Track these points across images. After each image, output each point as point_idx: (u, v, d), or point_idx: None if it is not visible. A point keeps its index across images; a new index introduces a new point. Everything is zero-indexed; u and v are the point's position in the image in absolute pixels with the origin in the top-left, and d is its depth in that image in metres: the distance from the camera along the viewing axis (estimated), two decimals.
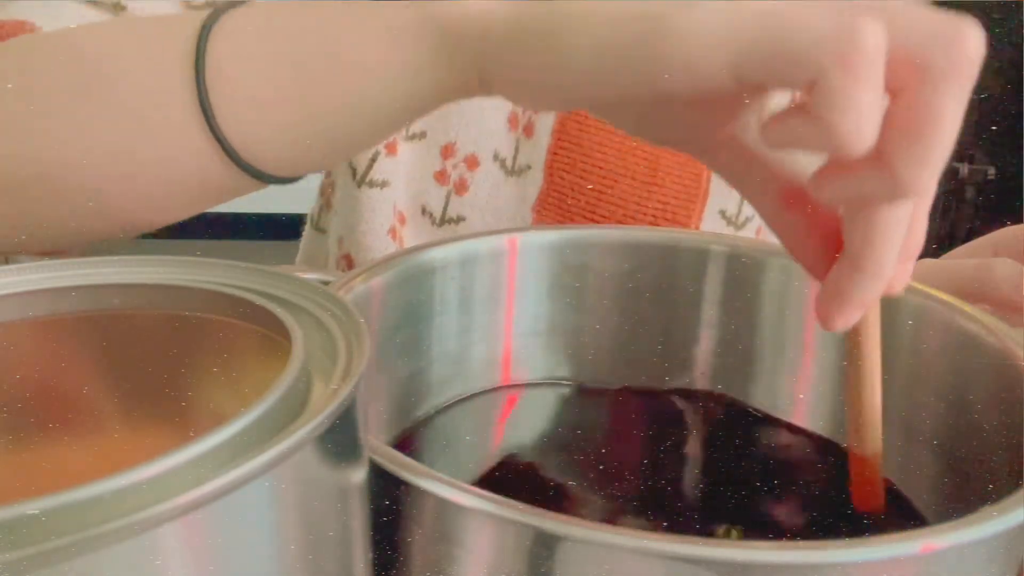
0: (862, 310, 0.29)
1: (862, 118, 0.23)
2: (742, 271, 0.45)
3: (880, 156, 0.24)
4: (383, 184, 0.61)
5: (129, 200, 0.37)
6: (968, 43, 0.23)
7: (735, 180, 0.32)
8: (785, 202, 0.30)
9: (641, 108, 0.31)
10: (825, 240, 0.30)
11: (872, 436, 0.32)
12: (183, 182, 0.36)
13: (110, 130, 0.36)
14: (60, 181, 0.37)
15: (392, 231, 0.62)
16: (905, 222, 0.27)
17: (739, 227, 0.64)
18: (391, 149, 0.61)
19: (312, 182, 0.70)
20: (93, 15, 0.48)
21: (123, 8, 0.48)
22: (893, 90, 0.24)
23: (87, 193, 0.37)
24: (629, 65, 0.26)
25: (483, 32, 0.31)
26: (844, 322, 0.29)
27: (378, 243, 0.61)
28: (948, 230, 1.65)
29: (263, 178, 0.37)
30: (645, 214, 0.61)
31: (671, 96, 0.27)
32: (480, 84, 0.32)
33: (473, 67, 0.32)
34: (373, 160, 0.61)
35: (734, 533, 0.36)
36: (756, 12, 0.24)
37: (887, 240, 0.27)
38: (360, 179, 0.62)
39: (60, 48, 0.39)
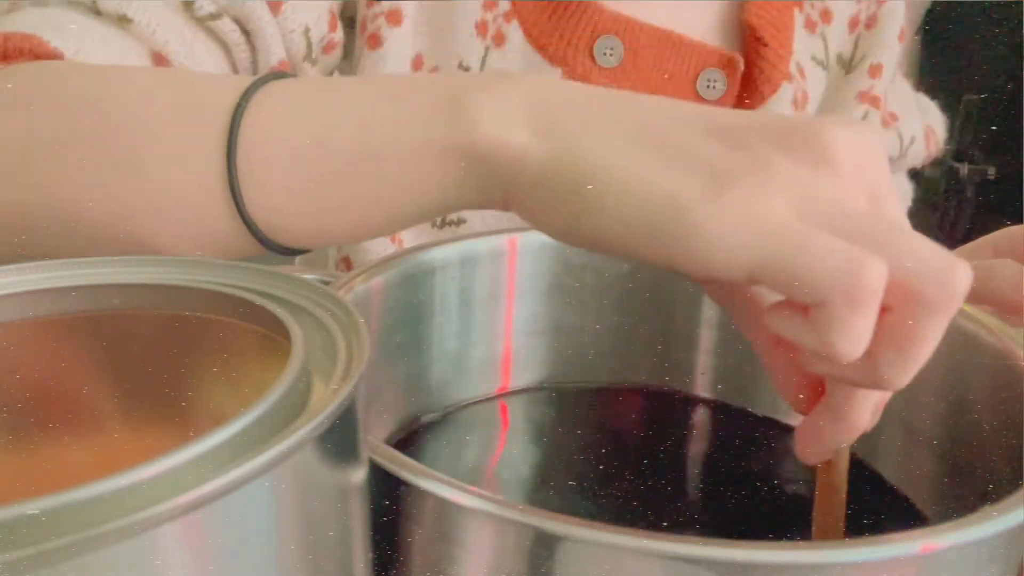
0: (835, 451, 0.32)
1: (857, 343, 0.26)
2: None
3: (867, 354, 0.27)
4: None
5: (142, 247, 0.37)
6: (959, 281, 0.26)
7: (731, 312, 0.34)
8: (775, 342, 0.32)
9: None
10: (810, 383, 0.32)
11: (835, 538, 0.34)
12: (199, 240, 0.37)
13: (126, 189, 0.36)
14: (64, 233, 0.36)
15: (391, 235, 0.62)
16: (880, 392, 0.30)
17: None
18: None
19: None
20: (98, 27, 0.48)
21: (129, 20, 0.48)
22: (887, 306, 0.27)
23: (92, 248, 0.36)
24: (651, 244, 0.28)
25: (517, 168, 0.31)
26: (819, 459, 0.32)
27: (375, 245, 0.61)
28: (948, 230, 1.65)
29: (282, 251, 0.37)
30: None
31: (688, 277, 0.29)
32: (505, 206, 0.33)
33: (501, 195, 0.32)
34: None
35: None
36: (776, 230, 0.26)
37: (864, 401, 0.30)
38: None
39: (80, 88, 0.38)
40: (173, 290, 0.28)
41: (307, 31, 0.55)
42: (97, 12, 0.49)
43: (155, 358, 0.29)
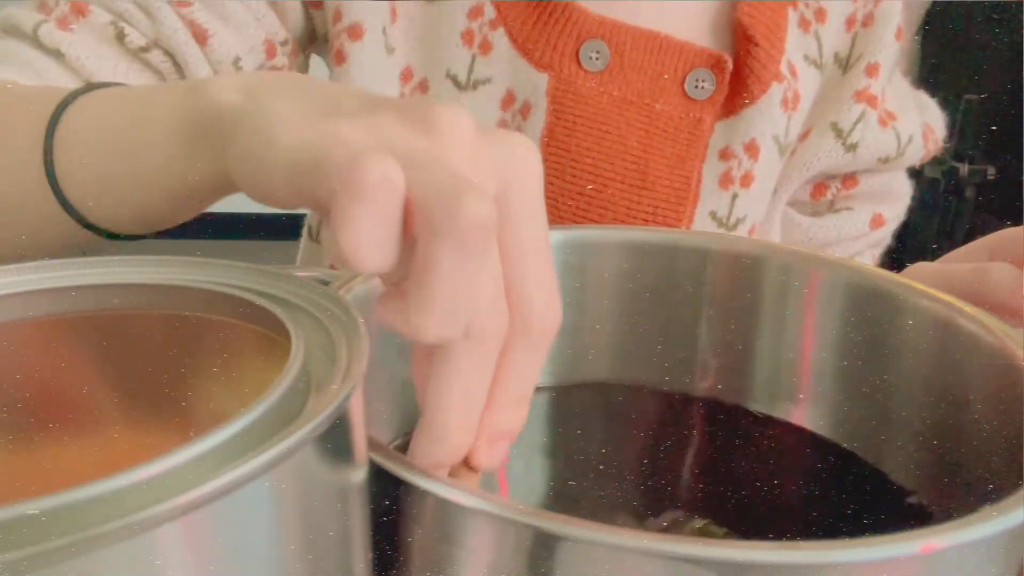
0: (434, 471, 0.28)
1: (360, 239, 0.25)
2: (742, 271, 0.45)
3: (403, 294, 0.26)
4: None
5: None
6: (465, 211, 0.25)
7: None
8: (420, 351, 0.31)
9: None
10: None
11: None
12: (39, 237, 0.44)
13: None
14: None
15: None
16: (458, 383, 0.27)
17: (730, 228, 0.64)
18: None
19: None
20: (38, 58, 0.53)
21: (62, 54, 0.53)
22: (413, 233, 0.26)
23: None
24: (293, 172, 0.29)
25: (222, 123, 0.34)
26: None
27: None
28: (948, 230, 1.65)
29: (106, 234, 0.43)
30: (635, 217, 0.61)
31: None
32: (223, 173, 0.35)
33: (220, 153, 0.35)
34: None
35: (713, 529, 0.36)
36: (322, 131, 0.27)
37: (438, 395, 0.28)
38: None
39: None
40: (173, 290, 0.28)
41: (237, 61, 0.57)
42: (39, 44, 0.53)
43: (155, 358, 0.29)
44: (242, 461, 0.19)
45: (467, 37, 0.60)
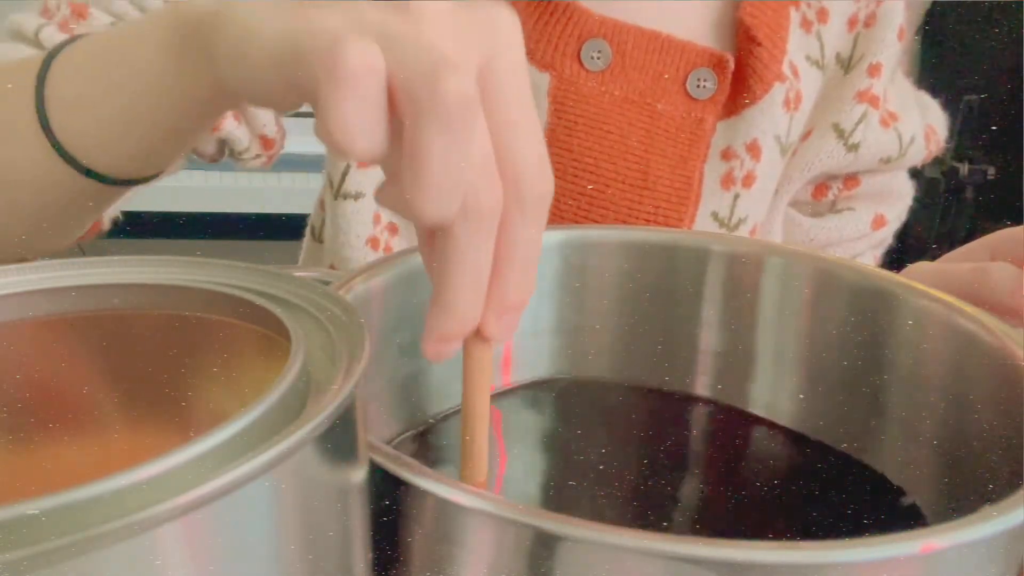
0: (448, 345, 0.30)
1: (348, 125, 0.25)
2: (742, 271, 0.45)
3: (398, 176, 0.27)
4: (357, 196, 0.62)
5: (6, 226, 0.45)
6: (446, 89, 0.25)
7: None
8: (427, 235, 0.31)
9: None
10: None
11: (477, 472, 0.33)
12: (43, 198, 0.44)
13: None
14: None
15: (372, 241, 0.62)
16: (466, 259, 0.28)
17: (732, 229, 0.64)
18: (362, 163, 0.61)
19: (312, 183, 0.70)
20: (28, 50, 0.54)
21: (42, 46, 0.54)
22: (400, 115, 0.26)
23: None
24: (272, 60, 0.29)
25: (203, 27, 0.34)
26: (431, 354, 0.30)
27: (355, 254, 0.62)
28: (948, 230, 1.65)
29: (107, 180, 0.42)
30: (637, 218, 0.61)
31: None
32: (217, 83, 0.35)
33: (202, 57, 0.35)
34: (345, 173, 0.61)
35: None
36: (300, 24, 0.27)
37: (449, 273, 0.28)
38: (336, 191, 0.62)
39: None
40: (173, 290, 0.28)
41: None
42: (41, 48, 0.53)
43: (155, 358, 0.29)
44: (242, 461, 0.19)
45: None
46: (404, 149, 0.26)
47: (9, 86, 0.43)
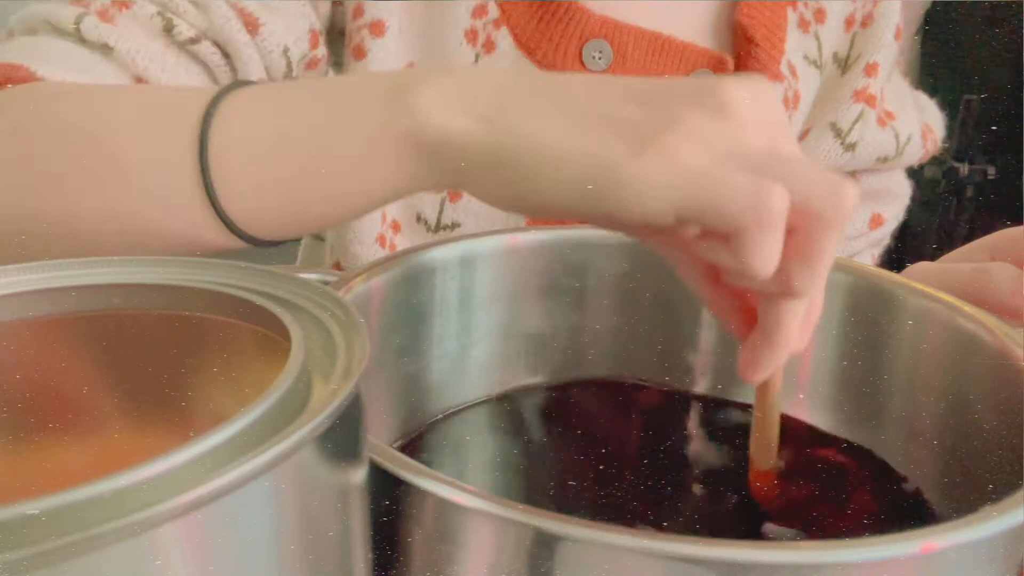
0: (772, 369, 0.36)
1: (768, 258, 0.30)
2: None
3: (780, 270, 0.31)
4: None
5: (133, 252, 0.40)
6: (847, 199, 0.31)
7: (668, 258, 0.38)
8: (711, 279, 0.36)
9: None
10: (743, 311, 0.37)
11: (769, 457, 0.39)
12: (180, 243, 0.40)
13: (113, 197, 0.39)
14: (60, 238, 0.40)
15: (380, 239, 0.62)
16: (804, 309, 0.34)
17: None
18: None
19: None
20: (84, 54, 0.50)
21: (111, 48, 0.50)
22: (792, 228, 0.31)
23: (87, 250, 0.39)
24: (588, 202, 0.32)
25: (459, 152, 0.34)
26: (759, 378, 0.36)
27: (365, 251, 0.62)
28: (948, 230, 1.65)
29: (256, 243, 0.41)
30: None
31: (625, 227, 0.34)
32: (455, 187, 0.36)
33: (448, 177, 0.36)
34: None
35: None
36: (693, 172, 0.31)
37: (790, 322, 0.34)
38: None
39: (63, 111, 0.42)
40: (173, 290, 0.28)
41: (286, 51, 0.56)
42: (82, 40, 0.51)
43: (155, 358, 0.29)
44: (242, 461, 0.19)
45: (471, 36, 0.60)
46: (796, 246, 0.31)
47: (161, 124, 0.40)
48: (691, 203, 0.31)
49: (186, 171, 0.38)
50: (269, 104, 0.40)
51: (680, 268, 0.38)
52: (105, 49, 0.51)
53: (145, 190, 0.39)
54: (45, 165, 0.40)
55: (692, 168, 0.31)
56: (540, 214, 0.34)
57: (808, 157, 0.32)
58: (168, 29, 0.52)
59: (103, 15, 0.51)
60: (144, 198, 0.39)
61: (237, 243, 0.40)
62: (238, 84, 0.40)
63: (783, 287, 0.32)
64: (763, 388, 0.38)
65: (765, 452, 0.39)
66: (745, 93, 0.32)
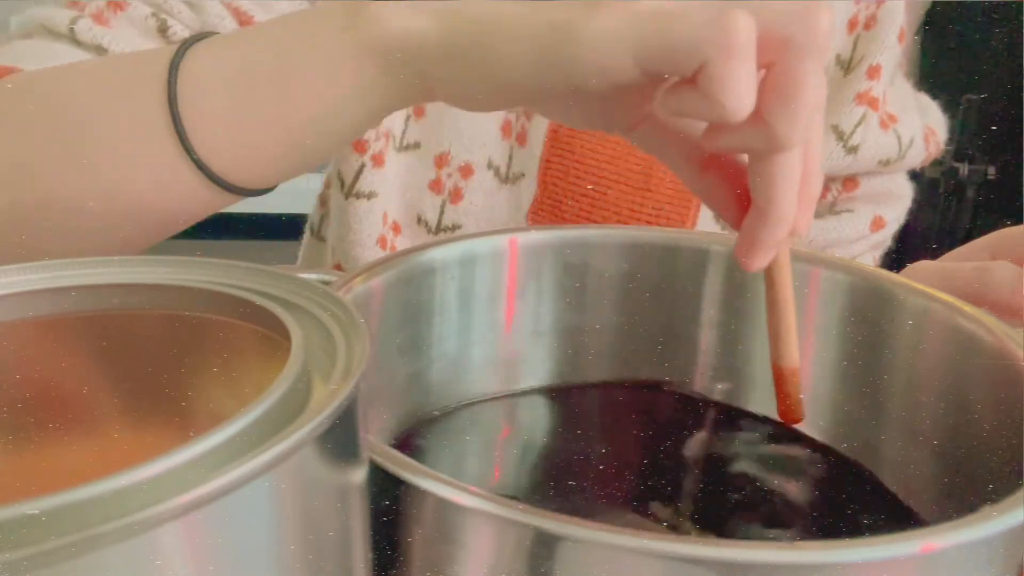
0: (774, 251, 0.34)
1: (741, 93, 0.28)
2: (742, 271, 0.45)
3: (758, 116, 0.29)
4: (370, 195, 0.62)
5: (127, 227, 0.41)
6: (821, 19, 0.28)
7: (655, 151, 0.36)
8: (700, 165, 0.35)
9: (567, 101, 0.36)
10: (738, 196, 0.35)
11: (790, 351, 0.36)
12: (171, 205, 0.40)
13: (96, 169, 0.39)
14: (47, 223, 0.40)
15: (381, 240, 0.62)
16: (796, 172, 0.32)
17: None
18: (378, 161, 0.61)
19: (312, 182, 0.70)
20: (79, 56, 0.51)
21: (105, 50, 0.51)
22: (765, 64, 0.29)
23: (88, 226, 0.40)
24: (549, 68, 0.31)
25: (419, 50, 0.34)
26: (759, 263, 0.34)
27: (366, 253, 0.62)
28: (948, 230, 1.65)
29: (240, 192, 0.40)
30: (639, 219, 0.61)
31: (589, 90, 0.31)
32: (423, 93, 0.36)
33: (415, 80, 0.35)
34: (359, 172, 0.61)
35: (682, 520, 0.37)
36: (648, 13, 0.29)
37: (782, 188, 0.32)
38: (347, 191, 0.62)
39: (32, 94, 0.42)
40: (173, 290, 0.28)
41: None
42: (77, 42, 0.51)
43: (155, 358, 0.29)
44: (242, 461, 0.19)
45: None
46: (772, 82, 0.29)
47: (129, 83, 0.40)
48: (650, 44, 0.29)
49: (159, 124, 0.38)
50: (233, 42, 0.40)
51: (666, 155, 0.36)
52: (99, 50, 0.51)
53: (122, 155, 0.39)
54: (24, 151, 0.40)
55: (646, 9, 0.29)
56: (508, 100, 0.33)
57: None
58: (163, 30, 0.52)
59: (98, 17, 0.51)
60: (123, 164, 0.39)
61: (222, 197, 0.40)
62: (203, 35, 0.40)
63: (766, 138, 0.30)
64: (770, 273, 0.36)
65: (785, 346, 0.36)
66: None
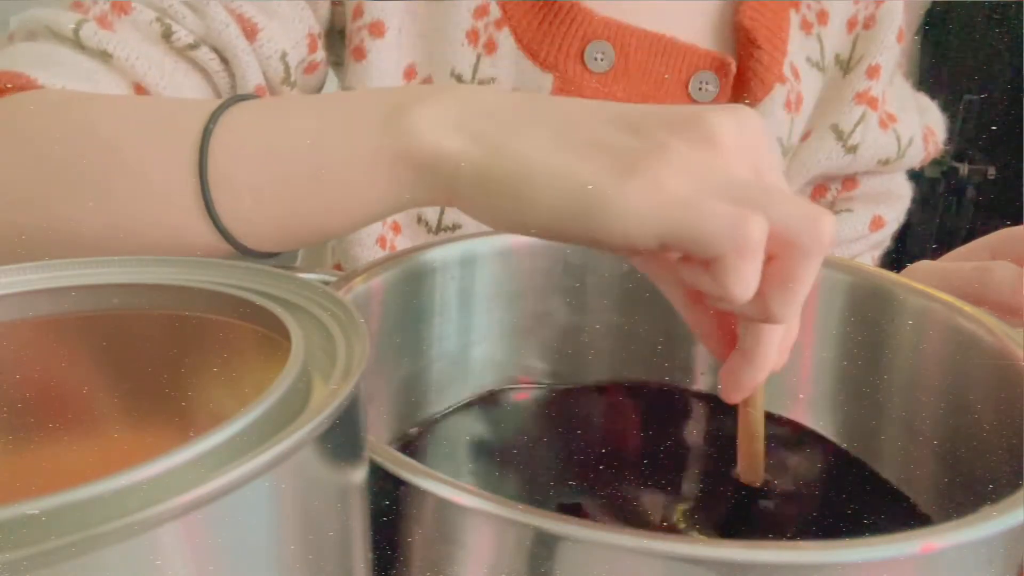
0: (753, 388, 0.37)
1: (747, 286, 0.31)
2: None
3: (759, 295, 0.32)
4: None
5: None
6: (825, 229, 0.31)
7: (653, 278, 0.38)
8: (694, 299, 0.38)
9: None
10: (724, 332, 0.38)
11: (756, 471, 0.40)
12: (180, 248, 0.41)
13: (116, 204, 0.40)
14: (62, 247, 0.41)
15: (381, 240, 0.62)
16: (782, 332, 0.36)
17: None
18: None
19: None
20: (83, 61, 0.51)
21: (109, 55, 0.51)
22: (771, 255, 0.31)
23: (86, 252, 0.40)
24: (575, 224, 0.33)
25: (455, 171, 0.35)
26: (739, 397, 0.37)
27: (365, 252, 0.62)
28: (948, 230, 1.65)
29: (254, 255, 0.42)
30: None
31: (609, 249, 0.34)
32: (449, 203, 0.37)
33: (442, 194, 0.36)
34: None
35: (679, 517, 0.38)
36: (676, 201, 0.31)
37: (769, 343, 0.35)
38: None
39: (68, 118, 0.43)
40: (173, 290, 0.28)
41: (284, 56, 0.56)
42: (81, 47, 0.51)
43: (155, 358, 0.29)
44: (242, 461, 0.19)
45: (472, 36, 0.60)
46: (776, 273, 0.32)
47: (161, 139, 0.40)
48: (673, 231, 0.31)
49: (187, 182, 0.39)
50: (268, 119, 0.41)
51: (664, 288, 0.38)
52: (104, 56, 0.51)
53: (148, 199, 0.40)
54: (51, 172, 0.41)
55: (675, 197, 0.31)
56: (528, 234, 0.35)
57: (791, 193, 0.33)
58: (167, 35, 0.52)
59: (102, 21, 0.51)
60: (145, 210, 0.40)
61: (235, 252, 0.41)
62: (238, 98, 0.41)
63: (762, 312, 0.33)
64: (744, 407, 0.38)
65: (752, 468, 0.39)
66: (731, 123, 0.33)
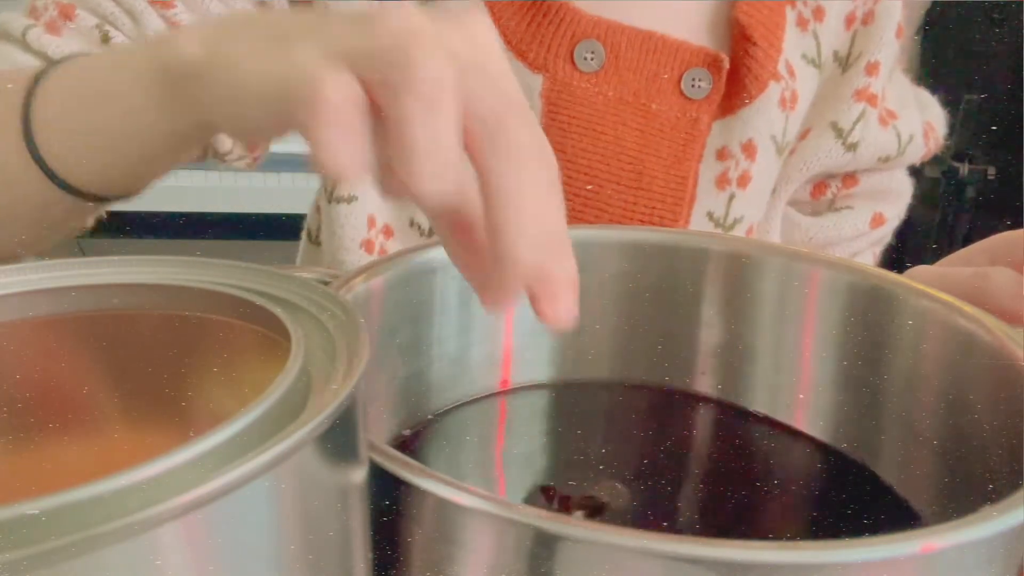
0: (503, 290, 0.30)
1: (339, 155, 0.26)
2: (742, 271, 0.45)
3: (391, 167, 0.27)
4: (350, 199, 0.62)
5: None
6: (417, 57, 0.26)
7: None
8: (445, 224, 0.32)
9: None
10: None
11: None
12: (33, 214, 0.45)
13: None
14: None
15: (367, 244, 0.62)
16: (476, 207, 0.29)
17: (727, 229, 0.64)
18: None
19: (311, 183, 0.70)
20: (28, 60, 0.53)
21: (49, 58, 0.53)
22: (379, 106, 0.27)
23: None
24: (271, 111, 0.30)
25: (193, 78, 0.34)
26: (494, 305, 0.31)
27: (350, 256, 0.62)
28: (948, 230, 1.65)
29: (94, 199, 0.44)
30: (632, 218, 0.61)
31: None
32: (199, 116, 0.36)
33: (189, 104, 0.36)
34: None
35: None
36: (267, 68, 0.29)
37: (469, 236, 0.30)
38: (329, 195, 0.62)
39: None
40: (173, 290, 0.28)
41: None
42: (28, 48, 0.54)
43: (155, 358, 0.29)
44: (242, 461, 0.19)
45: None
46: (391, 137, 0.26)
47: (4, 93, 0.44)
48: (269, 89, 0.28)
49: (17, 138, 0.42)
50: (85, 64, 0.44)
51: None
52: (44, 58, 0.53)
53: None
54: None
55: (283, 57, 0.28)
56: (250, 129, 0.34)
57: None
58: (105, 40, 0.54)
59: (51, 26, 0.54)
60: None
61: (81, 203, 0.44)
62: (77, 56, 0.44)
63: (401, 186, 0.27)
64: None
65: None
66: (396, 10, 0.28)
